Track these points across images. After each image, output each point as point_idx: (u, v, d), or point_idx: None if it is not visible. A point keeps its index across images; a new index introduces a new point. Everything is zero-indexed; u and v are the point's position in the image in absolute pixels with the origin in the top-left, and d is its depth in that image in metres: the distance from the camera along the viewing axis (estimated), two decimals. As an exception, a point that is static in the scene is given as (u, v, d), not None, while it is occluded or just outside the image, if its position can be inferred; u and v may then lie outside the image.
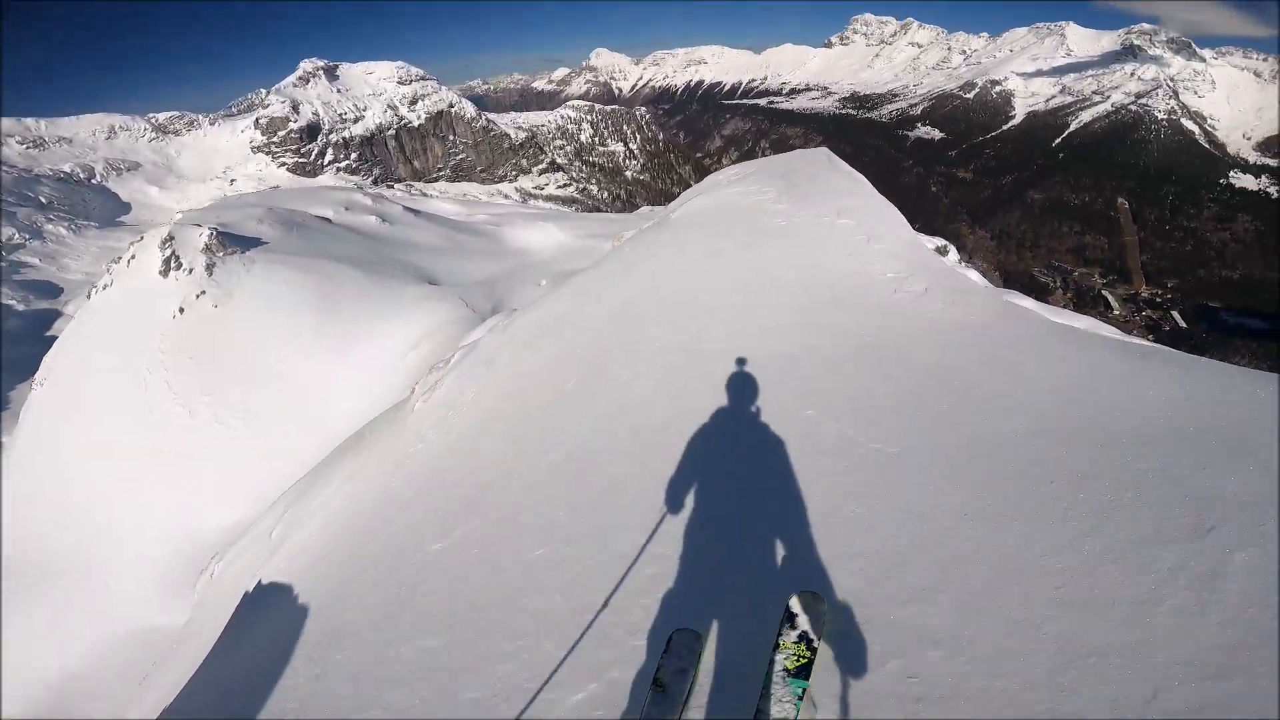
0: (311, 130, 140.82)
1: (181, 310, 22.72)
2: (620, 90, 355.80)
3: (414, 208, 38.41)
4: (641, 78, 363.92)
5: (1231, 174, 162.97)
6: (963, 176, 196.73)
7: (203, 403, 19.90)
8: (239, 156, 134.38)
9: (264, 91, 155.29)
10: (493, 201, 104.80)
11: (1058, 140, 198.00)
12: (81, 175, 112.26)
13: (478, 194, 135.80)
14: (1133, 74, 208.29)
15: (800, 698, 2.27)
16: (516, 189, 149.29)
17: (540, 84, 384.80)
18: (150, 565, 16.35)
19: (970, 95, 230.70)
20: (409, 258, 29.28)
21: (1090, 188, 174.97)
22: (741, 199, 8.94)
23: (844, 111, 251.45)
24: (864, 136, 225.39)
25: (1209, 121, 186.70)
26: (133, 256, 24.73)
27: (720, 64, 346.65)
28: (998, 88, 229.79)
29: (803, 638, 2.44)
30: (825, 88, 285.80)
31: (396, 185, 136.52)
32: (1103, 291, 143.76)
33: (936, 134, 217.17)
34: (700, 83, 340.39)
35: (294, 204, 32.51)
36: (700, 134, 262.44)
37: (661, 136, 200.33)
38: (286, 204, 32.14)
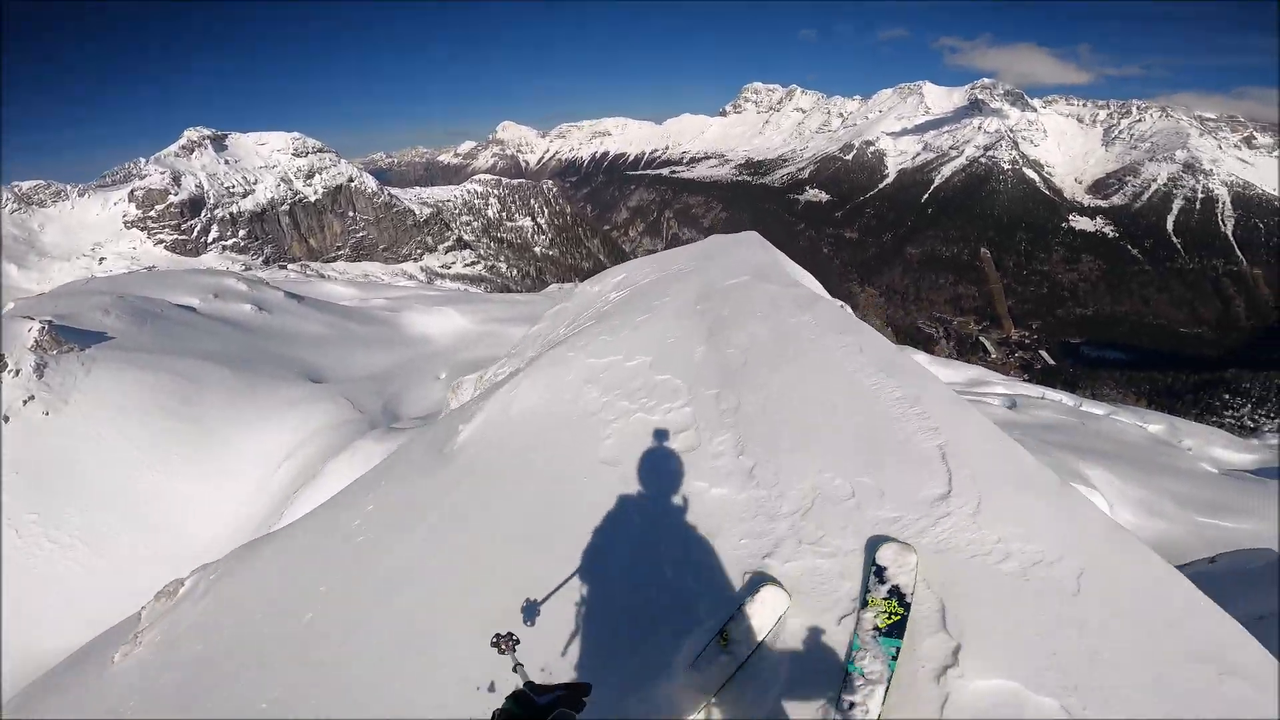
0: (195, 204, 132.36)
1: (5, 419, 19.36)
2: (527, 163, 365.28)
3: (299, 293, 35.94)
4: (549, 150, 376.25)
5: (1071, 217, 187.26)
6: (850, 236, 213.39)
7: (29, 522, 16.67)
8: (110, 232, 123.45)
9: (143, 161, 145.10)
10: (394, 283, 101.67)
11: (925, 196, 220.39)
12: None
13: (380, 274, 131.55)
14: (979, 127, 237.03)
15: (894, 658, 2.12)
16: (422, 268, 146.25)
17: (446, 157, 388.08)
18: None
19: (849, 157, 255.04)
20: (289, 351, 26.92)
21: (958, 239, 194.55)
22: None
23: (740, 178, 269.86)
24: (760, 202, 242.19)
25: (1045, 169, 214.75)
26: (-62, 364, 21.00)
27: (624, 135, 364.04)
28: (871, 148, 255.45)
29: (894, 593, 2.28)
30: (722, 155, 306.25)
31: (290, 265, 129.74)
32: (980, 338, 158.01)
33: (824, 196, 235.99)
34: (606, 154, 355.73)
35: (152, 290, 29.41)
36: (607, 205, 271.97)
37: (569, 210, 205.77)
38: (143, 290, 29.02)
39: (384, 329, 31.33)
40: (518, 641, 2.13)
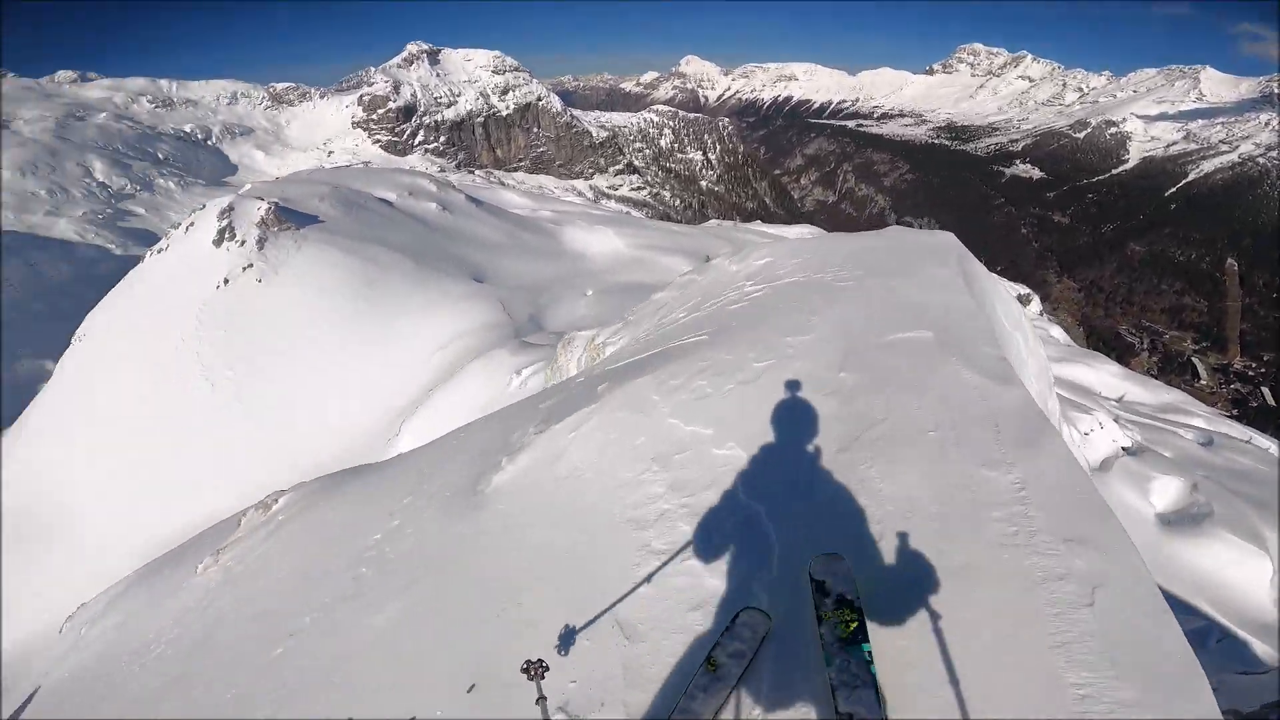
0: (408, 111, 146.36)
1: (226, 281, 22.65)
2: (707, 99, 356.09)
3: (478, 198, 37.98)
4: (730, 88, 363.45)
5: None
6: (1058, 220, 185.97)
7: (226, 377, 19.61)
8: (340, 130, 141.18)
9: (371, 69, 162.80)
10: (564, 197, 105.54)
11: (1172, 190, 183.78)
12: (199, 136, 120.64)
13: (552, 187, 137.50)
14: (1267, 124, 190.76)
15: (870, 661, 2.17)
16: (590, 186, 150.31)
17: (628, 85, 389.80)
18: (130, 537, 15.98)
19: (1081, 135, 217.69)
20: (462, 251, 28.60)
21: (1199, 244, 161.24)
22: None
23: (937, 141, 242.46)
24: (956, 169, 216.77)
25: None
26: (191, 224, 25.01)
27: (811, 82, 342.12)
28: (1113, 129, 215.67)
29: (841, 602, 2.33)
30: (920, 115, 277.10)
31: (477, 171, 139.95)
32: (1192, 359, 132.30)
33: (1036, 173, 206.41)
34: (789, 98, 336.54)
35: (360, 184, 32.54)
36: (782, 150, 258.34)
37: (742, 149, 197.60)
38: (352, 183, 32.20)
39: (547, 240, 32.14)
40: (547, 668, 2.21)
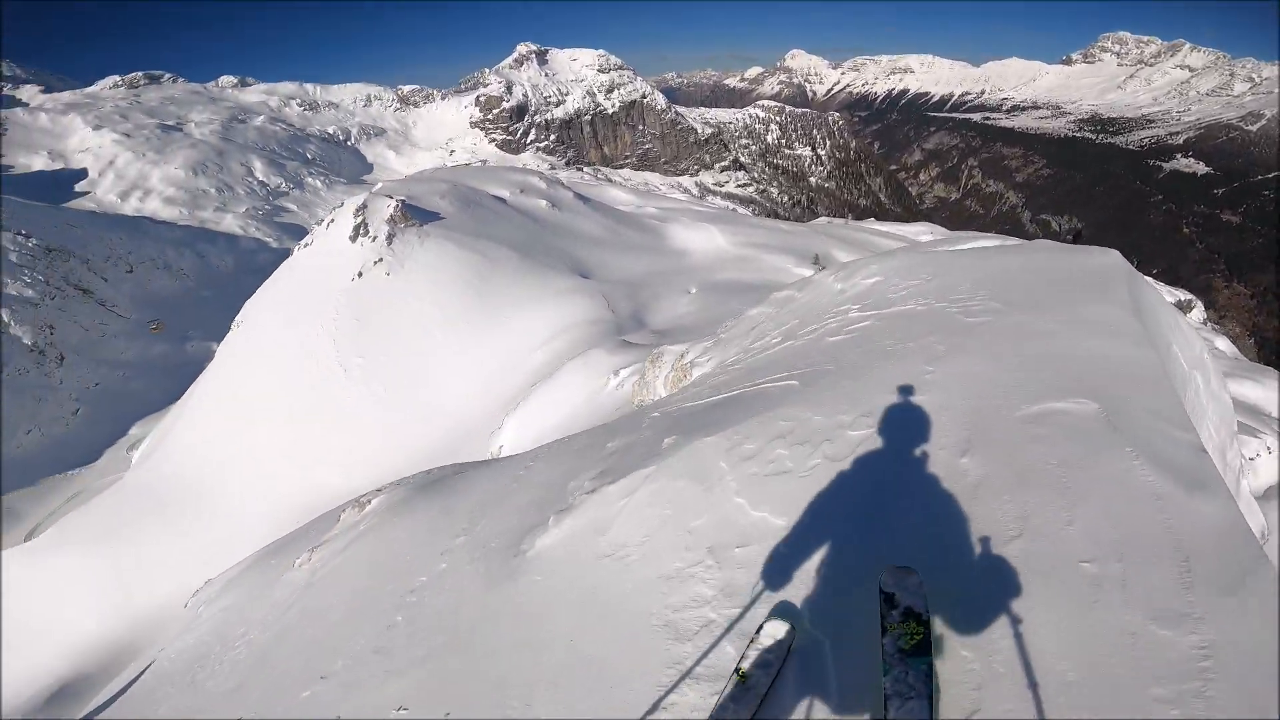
0: (520, 110, 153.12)
1: (360, 274, 24.63)
2: (814, 93, 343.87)
3: (585, 194, 38.84)
4: (839, 82, 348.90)
5: None
6: (1228, 219, 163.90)
7: (356, 364, 21.33)
8: (460, 130, 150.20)
9: (486, 70, 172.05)
10: (669, 194, 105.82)
11: None
12: (340, 137, 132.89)
13: (658, 184, 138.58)
14: None
15: (931, 674, 2.17)
16: (696, 183, 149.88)
17: (732, 81, 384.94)
18: (269, 508, 17.86)
19: (1254, 127, 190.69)
20: (568, 246, 29.35)
21: None
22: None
23: (1080, 134, 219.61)
24: (1103, 164, 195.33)
25: None
26: (332, 220, 27.44)
27: (929, 74, 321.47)
28: None
29: (908, 614, 2.32)
30: (1058, 107, 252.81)
31: (586, 169, 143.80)
32: None
33: (1201, 168, 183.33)
34: (904, 91, 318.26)
35: (476, 182, 34.27)
36: (898, 145, 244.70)
37: (854, 144, 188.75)
38: (469, 181, 33.96)
39: (650, 237, 32.27)
40: None
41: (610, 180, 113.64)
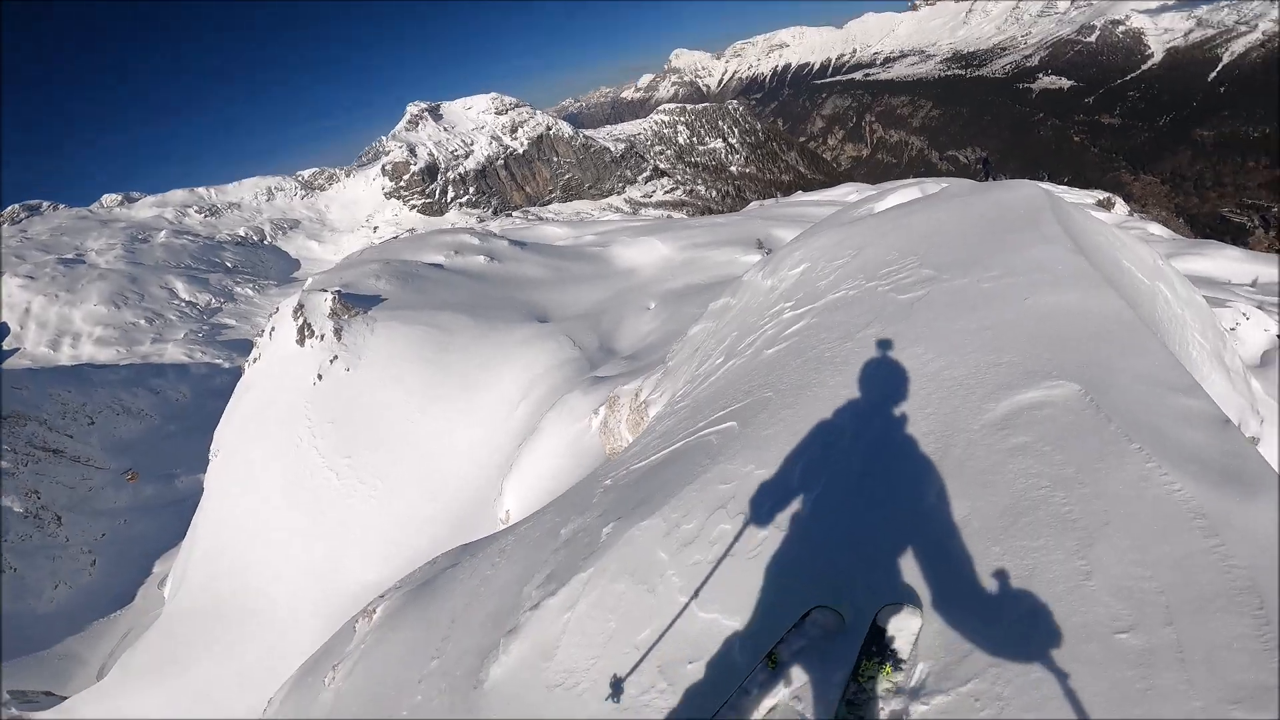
0: (431, 171, 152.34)
1: (320, 377, 23.98)
2: (708, 87, 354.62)
3: (520, 239, 38.85)
4: (726, 70, 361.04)
5: None
6: (1108, 122, 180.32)
7: (345, 465, 20.77)
8: (375, 204, 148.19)
9: (384, 138, 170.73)
10: (602, 217, 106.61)
11: (1213, 74, 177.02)
12: (254, 238, 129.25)
13: (590, 210, 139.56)
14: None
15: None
16: (626, 200, 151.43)
17: (628, 93, 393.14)
18: (306, 615, 17.32)
19: (1092, 39, 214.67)
20: (517, 294, 29.24)
21: (1270, 119, 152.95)
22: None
23: (950, 73, 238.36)
24: (980, 95, 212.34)
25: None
26: (272, 329, 26.73)
27: (803, 44, 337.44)
28: (1120, 28, 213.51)
29: (890, 656, 2.08)
30: (923, 51, 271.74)
31: (514, 213, 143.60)
32: None
33: (1065, 82, 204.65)
34: (787, 66, 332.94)
35: (408, 253, 33.91)
36: (798, 118, 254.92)
37: (759, 126, 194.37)
38: (401, 255, 33.59)
39: (595, 264, 32.42)
40: None
41: (541, 218, 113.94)
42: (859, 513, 2.75)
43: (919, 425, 2.97)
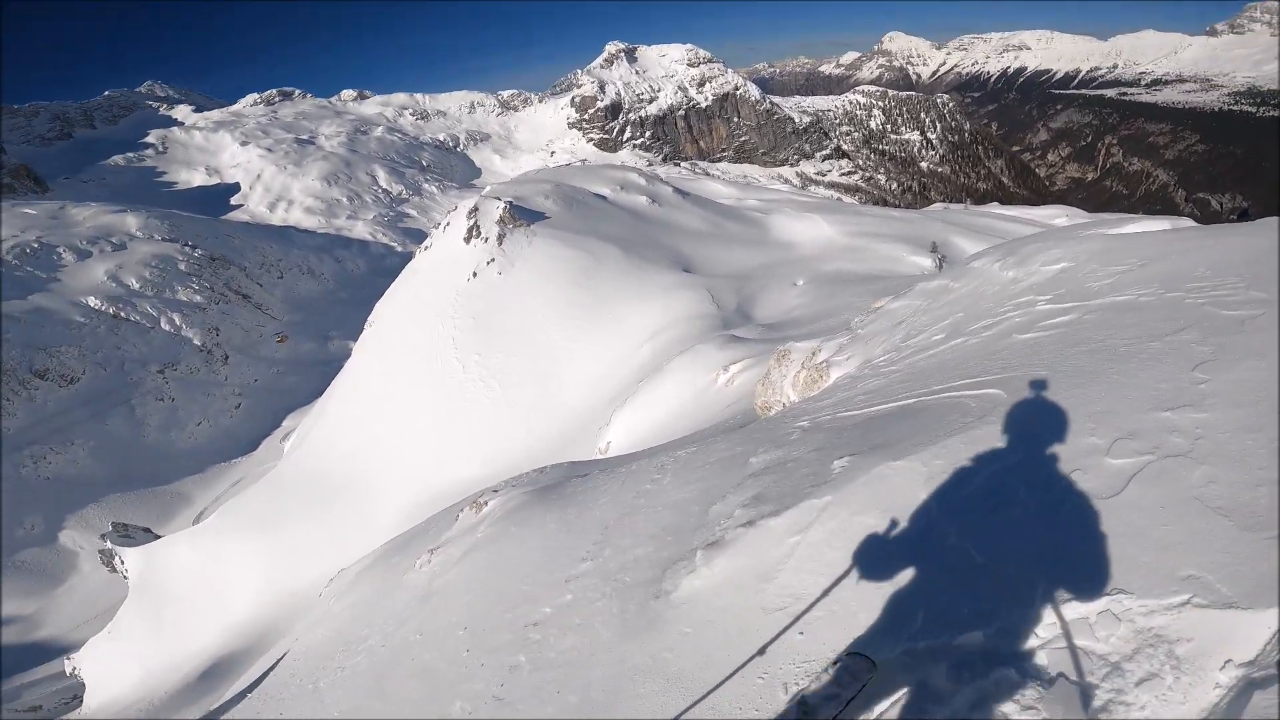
0: (614, 109, 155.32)
1: (474, 275, 25.86)
2: (918, 75, 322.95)
3: (684, 189, 38.58)
4: (945, 63, 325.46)
5: None
6: None
7: (474, 361, 22.45)
8: (558, 131, 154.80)
9: (579, 71, 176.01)
10: (769, 185, 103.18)
11: None
12: (450, 144, 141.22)
13: (758, 176, 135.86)
14: None
15: None
16: (797, 173, 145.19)
17: (827, 68, 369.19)
18: (401, 498, 19.17)
19: None
20: (669, 240, 29.25)
21: None
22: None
23: (1237, 108, 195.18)
24: (1264, 137, 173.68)
25: None
26: (447, 224, 29.06)
27: (1048, 50, 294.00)
28: None
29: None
30: (1208, 80, 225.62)
31: (683, 163, 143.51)
32: None
33: None
34: (1021, 69, 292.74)
35: (577, 181, 34.98)
36: (1019, 125, 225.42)
37: (968, 126, 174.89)
38: (571, 181, 34.73)
39: (753, 229, 31.48)
40: None
41: (708, 174, 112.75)
42: (1188, 487, 2.43)
43: (1268, 434, 2.51)
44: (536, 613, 4.10)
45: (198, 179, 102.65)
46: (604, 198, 33.89)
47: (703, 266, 26.20)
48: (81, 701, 22.20)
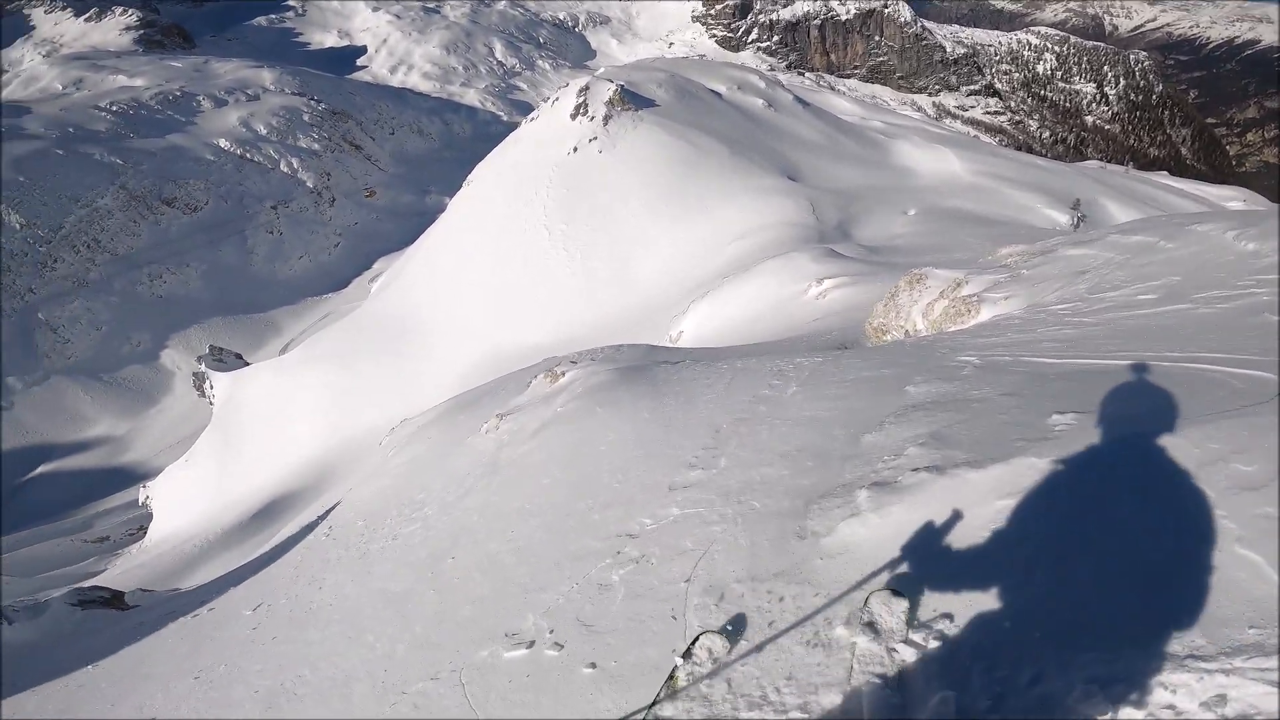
0: (744, 7, 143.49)
1: (575, 149, 25.61)
2: (1115, 28, 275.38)
3: (805, 99, 35.82)
4: (1155, 19, 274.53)
5: None
6: None
7: (560, 229, 22.67)
8: (681, 23, 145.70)
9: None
10: (899, 110, 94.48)
11: None
12: (570, 24, 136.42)
13: (888, 99, 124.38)
14: None
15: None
16: (934, 103, 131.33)
17: (1001, 2, 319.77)
18: (468, 353, 20.21)
19: None
20: (779, 146, 27.64)
21: None
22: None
23: None
24: None
25: None
26: (556, 99, 28.59)
27: None
28: None
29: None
30: None
31: (808, 74, 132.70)
32: None
33: None
34: (1253, 42, 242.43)
35: (694, 74, 33.17)
36: (1226, 98, 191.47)
37: (1160, 88, 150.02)
38: (687, 73, 32.99)
39: (871, 150, 29.14)
40: None
41: (834, 88, 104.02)
42: None
43: None
44: (632, 522, 3.38)
45: (330, 40, 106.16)
46: (719, 94, 32.02)
47: (810, 178, 24.72)
48: (145, 532, 22.23)
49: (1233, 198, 40.67)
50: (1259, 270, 4.71)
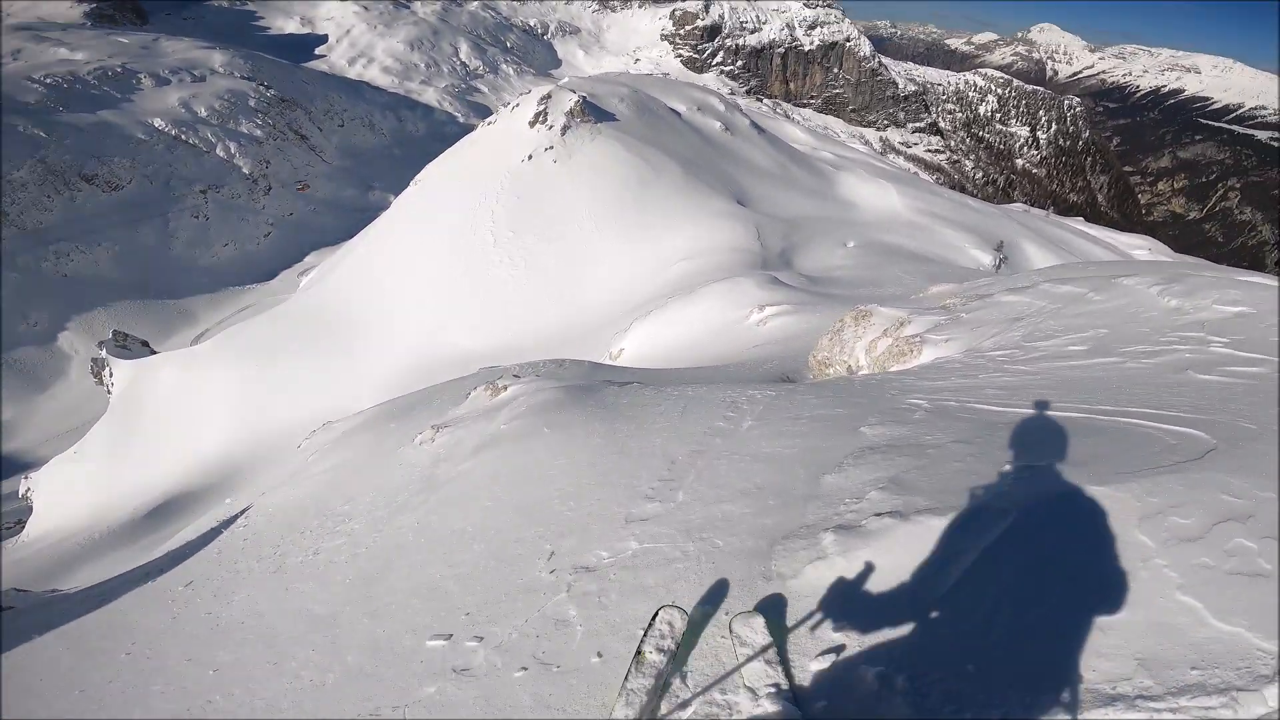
0: (713, 30, 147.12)
1: (530, 157, 25.62)
2: (1056, 73, 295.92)
3: (761, 125, 37.05)
4: (1092, 66, 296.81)
5: None
6: None
7: (506, 237, 22.63)
8: (649, 40, 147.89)
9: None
10: (847, 143, 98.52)
11: None
12: (539, 31, 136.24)
13: (838, 130, 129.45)
14: None
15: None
16: (881, 138, 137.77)
17: (955, 42, 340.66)
18: (400, 355, 19.86)
19: None
20: (731, 169, 28.48)
21: None
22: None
23: None
24: None
25: None
26: (516, 105, 28.57)
27: (1220, 79, 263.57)
28: None
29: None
30: None
31: (765, 100, 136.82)
32: None
33: None
34: (1176, 91, 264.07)
35: (656, 91, 33.83)
36: (1144, 146, 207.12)
37: (1086, 134, 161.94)
38: (649, 90, 33.58)
39: (818, 180, 30.41)
40: None
41: (789, 116, 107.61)
42: None
43: None
44: (589, 554, 3.22)
45: (291, 26, 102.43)
46: (679, 114, 32.78)
47: (758, 203, 25.58)
48: (24, 527, 20.25)
49: (1140, 246, 44.32)
50: (1180, 327, 5.06)
